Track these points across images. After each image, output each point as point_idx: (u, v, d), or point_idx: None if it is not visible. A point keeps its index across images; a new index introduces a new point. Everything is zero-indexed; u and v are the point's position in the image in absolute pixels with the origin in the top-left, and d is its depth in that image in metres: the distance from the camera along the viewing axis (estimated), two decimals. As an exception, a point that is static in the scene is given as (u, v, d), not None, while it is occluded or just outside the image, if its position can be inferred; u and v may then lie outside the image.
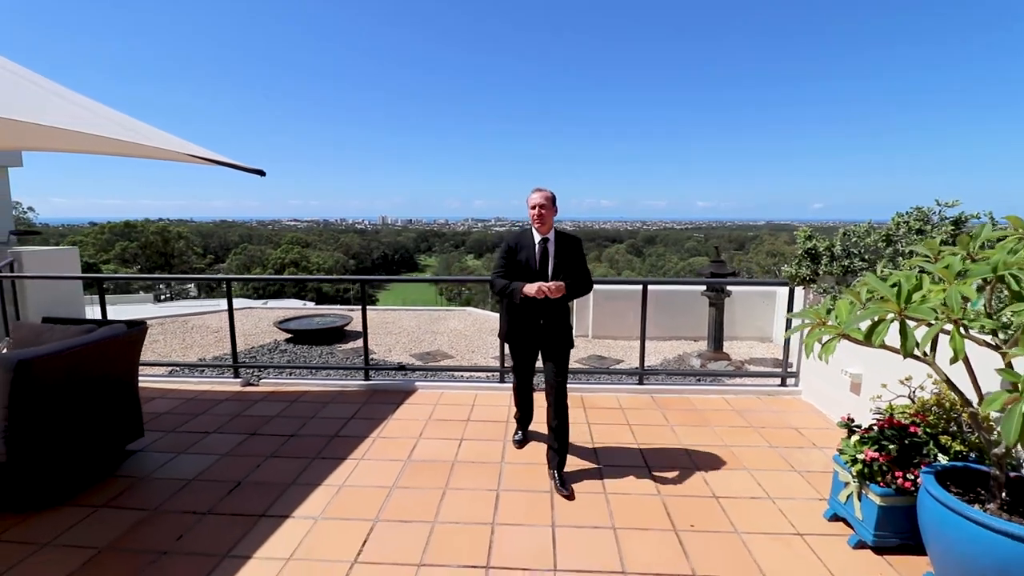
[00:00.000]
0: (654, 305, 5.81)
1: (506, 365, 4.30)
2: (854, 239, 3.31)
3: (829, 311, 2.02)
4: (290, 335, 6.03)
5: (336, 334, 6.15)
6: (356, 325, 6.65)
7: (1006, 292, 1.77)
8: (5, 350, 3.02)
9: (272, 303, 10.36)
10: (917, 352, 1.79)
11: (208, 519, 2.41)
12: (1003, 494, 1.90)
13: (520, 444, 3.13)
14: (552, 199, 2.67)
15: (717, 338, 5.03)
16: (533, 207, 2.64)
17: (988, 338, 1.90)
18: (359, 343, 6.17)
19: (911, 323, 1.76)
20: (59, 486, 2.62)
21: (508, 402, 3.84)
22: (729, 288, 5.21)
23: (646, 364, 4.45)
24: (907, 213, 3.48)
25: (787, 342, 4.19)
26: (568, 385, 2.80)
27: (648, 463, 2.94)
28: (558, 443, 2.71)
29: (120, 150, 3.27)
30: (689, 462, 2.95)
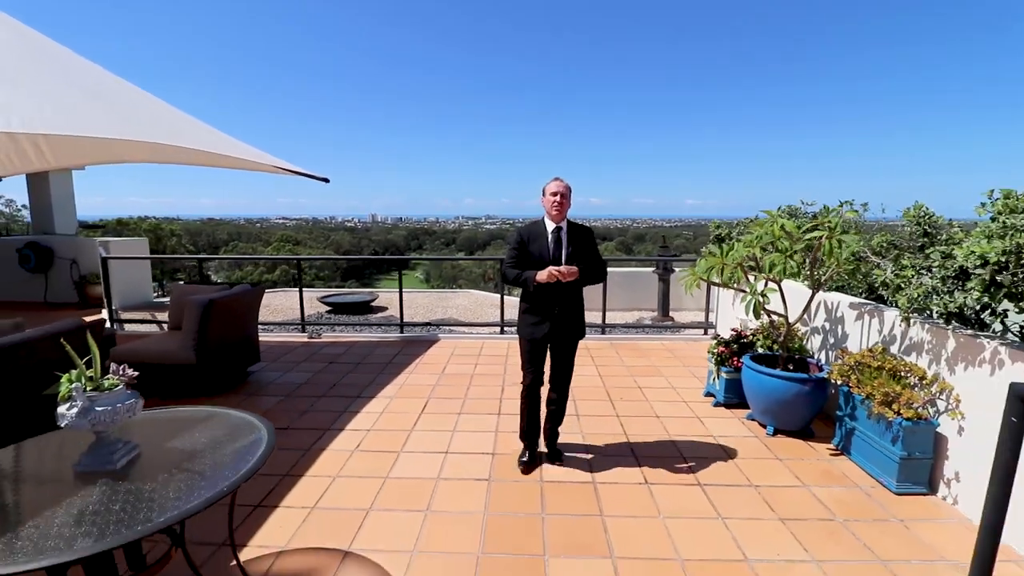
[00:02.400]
0: (620, 285, 7.36)
1: (506, 324, 5.79)
2: (741, 227, 4.86)
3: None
4: (330, 307, 7.48)
5: (364, 307, 7.62)
6: (378, 302, 8.10)
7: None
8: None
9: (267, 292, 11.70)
10: (736, 286, 3.33)
11: (324, 398, 3.88)
12: (786, 365, 3.44)
13: (528, 468, 2.83)
14: (570, 189, 2.66)
15: (664, 305, 6.60)
16: (555, 194, 2.59)
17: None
18: (383, 313, 7.64)
19: (727, 269, 3.30)
20: (220, 384, 4.06)
21: (506, 346, 5.33)
22: (674, 267, 6.76)
23: (608, 322, 5.98)
24: (782, 209, 5.05)
25: (708, 301, 5.76)
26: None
27: (600, 374, 4.47)
28: (553, 422, 2.91)
29: (230, 164, 4.65)
30: (626, 372, 4.50)
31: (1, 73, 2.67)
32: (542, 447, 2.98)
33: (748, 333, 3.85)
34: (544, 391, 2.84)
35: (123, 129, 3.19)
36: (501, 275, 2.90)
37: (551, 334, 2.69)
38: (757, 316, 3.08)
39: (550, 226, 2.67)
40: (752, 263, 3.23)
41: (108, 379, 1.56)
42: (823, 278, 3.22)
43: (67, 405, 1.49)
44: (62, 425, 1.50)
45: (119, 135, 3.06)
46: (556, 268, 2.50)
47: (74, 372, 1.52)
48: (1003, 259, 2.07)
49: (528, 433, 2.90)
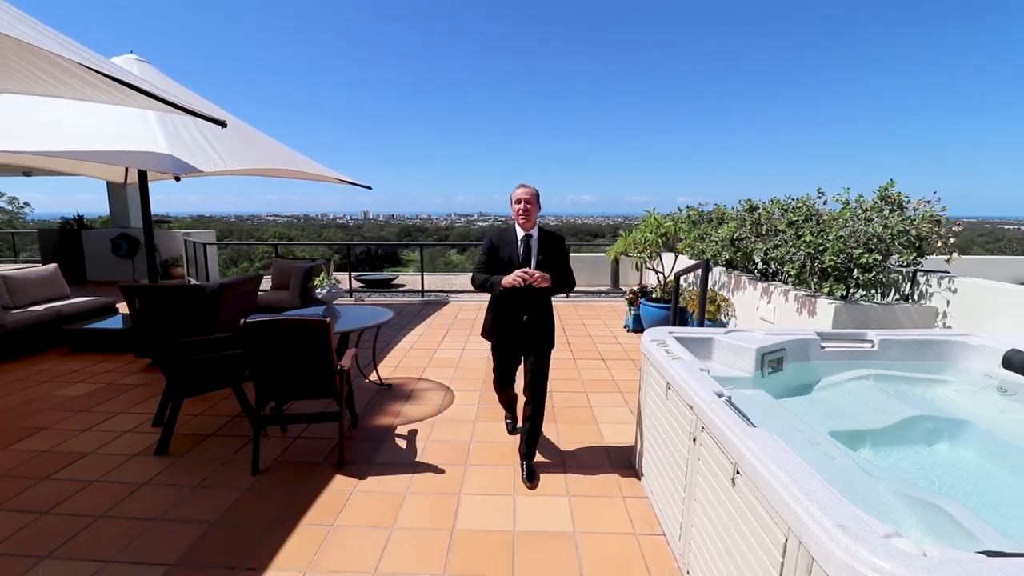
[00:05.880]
0: (586, 266, 9.61)
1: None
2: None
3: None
4: (362, 284, 9.65)
5: (387, 283, 9.81)
6: (397, 281, 10.29)
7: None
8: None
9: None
10: (638, 261, 5.61)
11: (381, 329, 6.08)
12: (666, 302, 5.72)
13: (514, 429, 3.25)
14: (536, 195, 2.60)
15: (615, 279, 8.89)
16: (518, 201, 2.56)
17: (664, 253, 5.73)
18: (404, 287, 9.83)
19: (628, 245, 5.57)
20: (311, 323, 6.25)
21: (498, 305, 7.56)
22: (623, 253, 9.05)
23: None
24: (689, 207, 7.35)
25: (641, 276, 8.05)
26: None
27: (560, 319, 6.72)
28: (530, 436, 2.75)
29: (293, 175, 6.76)
30: (578, 318, 6.77)
31: (210, 136, 4.81)
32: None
33: (650, 288, 6.14)
34: (520, 403, 2.92)
35: (266, 161, 5.36)
36: (471, 280, 2.76)
37: (520, 343, 2.69)
38: (638, 269, 5.36)
39: (520, 233, 2.63)
40: (642, 242, 5.50)
41: (332, 279, 3.77)
42: (679, 249, 5.51)
43: (319, 288, 3.70)
44: (319, 296, 3.70)
45: (267, 165, 5.23)
46: (525, 270, 2.46)
47: (323, 275, 3.72)
48: (732, 235, 4.35)
49: (510, 409, 3.30)
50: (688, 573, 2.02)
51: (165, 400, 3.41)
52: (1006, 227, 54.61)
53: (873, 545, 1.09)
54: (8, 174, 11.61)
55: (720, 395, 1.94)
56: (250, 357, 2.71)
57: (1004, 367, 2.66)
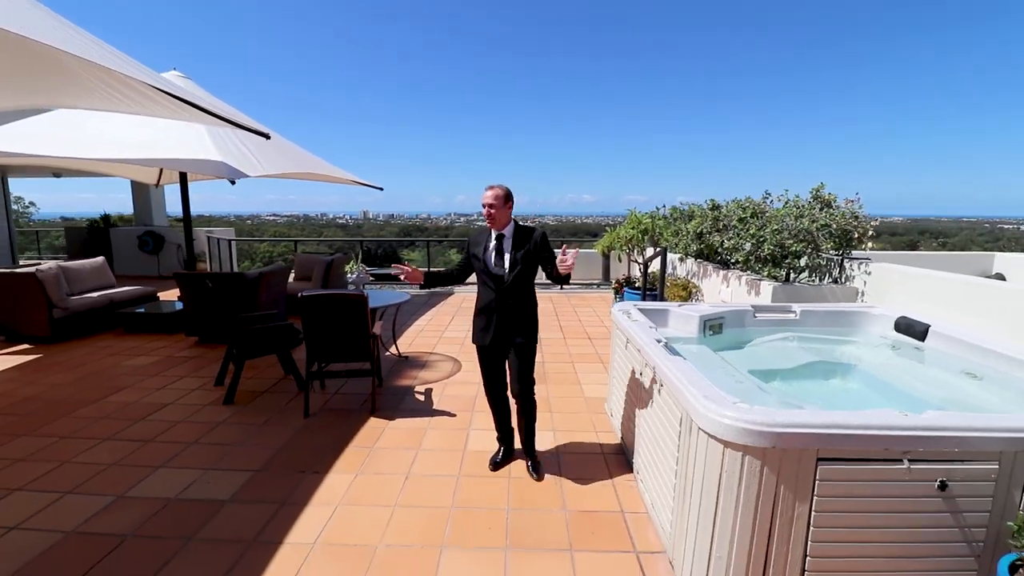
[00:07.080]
0: (580, 262, 10.34)
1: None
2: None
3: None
4: (373, 278, 10.40)
5: (396, 277, 10.58)
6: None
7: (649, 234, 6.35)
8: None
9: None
10: (622, 254, 6.36)
11: (397, 316, 6.84)
12: (645, 290, 6.47)
13: (496, 466, 2.87)
14: (503, 196, 2.61)
15: (605, 273, 9.64)
16: (483, 207, 2.60)
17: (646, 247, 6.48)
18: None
19: (613, 241, 6.32)
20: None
21: (498, 296, 8.31)
22: (614, 248, 9.80)
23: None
24: (671, 207, 8.10)
25: (629, 269, 8.80)
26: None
27: (554, 307, 7.47)
28: (527, 430, 2.83)
29: (316, 178, 7.49)
30: (571, 306, 7.52)
31: (253, 147, 5.54)
32: (517, 444, 2.99)
33: (634, 278, 6.89)
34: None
35: (294, 166, 6.09)
36: None
37: (497, 340, 2.69)
38: (620, 261, 6.10)
39: (492, 234, 2.68)
40: (625, 237, 6.25)
41: (361, 266, 4.51)
42: (660, 243, 6.26)
43: (350, 272, 4.44)
44: (349, 280, 4.44)
45: (295, 170, 5.97)
46: (398, 266, 2.83)
47: (353, 262, 4.47)
48: (697, 231, 5.09)
49: (501, 436, 2.97)
50: (638, 472, 2.76)
51: (225, 363, 4.15)
52: (1005, 227, 55.43)
53: (722, 405, 1.83)
54: (38, 175, 12.37)
55: (659, 341, 2.68)
56: (304, 324, 3.45)
57: (896, 330, 3.41)
